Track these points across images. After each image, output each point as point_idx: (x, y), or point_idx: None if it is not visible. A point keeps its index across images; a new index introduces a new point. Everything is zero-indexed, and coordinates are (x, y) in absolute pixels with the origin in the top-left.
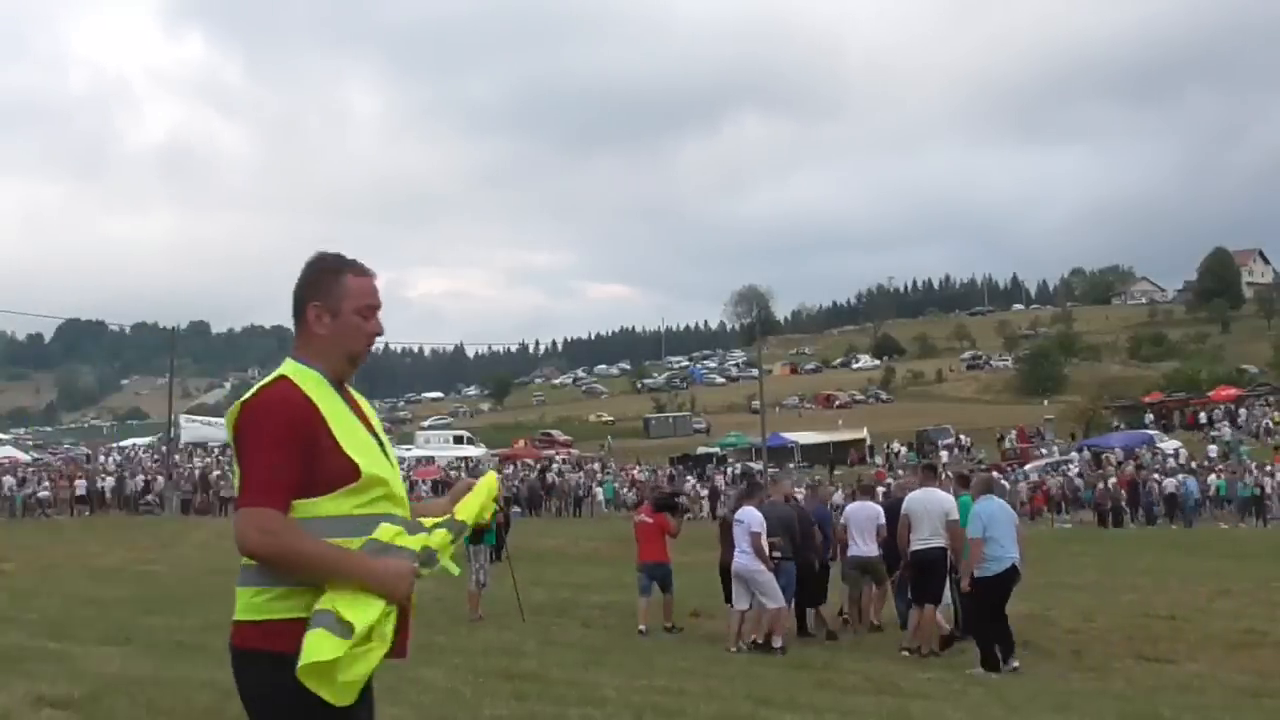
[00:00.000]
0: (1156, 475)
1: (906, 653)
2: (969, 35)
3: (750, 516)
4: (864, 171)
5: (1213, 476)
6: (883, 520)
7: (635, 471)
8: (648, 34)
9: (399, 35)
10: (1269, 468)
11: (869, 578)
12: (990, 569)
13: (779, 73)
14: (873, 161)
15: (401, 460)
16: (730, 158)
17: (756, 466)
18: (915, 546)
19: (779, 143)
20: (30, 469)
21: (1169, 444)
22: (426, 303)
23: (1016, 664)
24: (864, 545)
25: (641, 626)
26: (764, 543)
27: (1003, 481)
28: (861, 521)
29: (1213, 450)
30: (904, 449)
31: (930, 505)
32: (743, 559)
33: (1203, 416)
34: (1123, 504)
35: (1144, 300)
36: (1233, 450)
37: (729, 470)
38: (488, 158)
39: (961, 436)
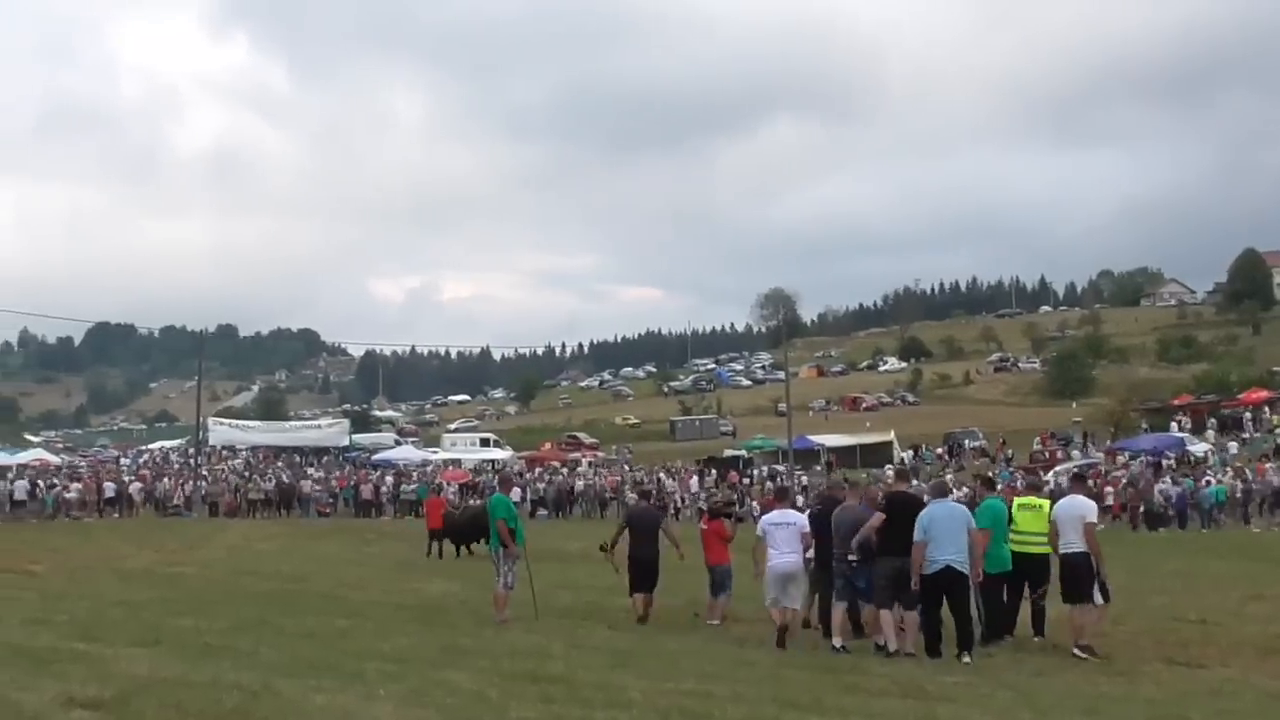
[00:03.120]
0: (1182, 479)
1: (1081, 653)
2: (1004, 38)
3: (798, 519)
4: (895, 175)
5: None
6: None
7: (661, 474)
8: (688, 37)
9: (440, 37)
10: None
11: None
12: (926, 569)
13: (815, 76)
14: (904, 165)
15: (428, 463)
16: (764, 161)
17: (781, 469)
18: (1062, 551)
19: (812, 146)
20: (60, 471)
21: (1199, 446)
22: (457, 306)
23: (968, 660)
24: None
25: (710, 621)
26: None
27: (1089, 482)
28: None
29: (1233, 448)
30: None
31: (1073, 511)
32: (792, 558)
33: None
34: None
35: (1173, 302)
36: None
37: (755, 473)
38: (524, 161)
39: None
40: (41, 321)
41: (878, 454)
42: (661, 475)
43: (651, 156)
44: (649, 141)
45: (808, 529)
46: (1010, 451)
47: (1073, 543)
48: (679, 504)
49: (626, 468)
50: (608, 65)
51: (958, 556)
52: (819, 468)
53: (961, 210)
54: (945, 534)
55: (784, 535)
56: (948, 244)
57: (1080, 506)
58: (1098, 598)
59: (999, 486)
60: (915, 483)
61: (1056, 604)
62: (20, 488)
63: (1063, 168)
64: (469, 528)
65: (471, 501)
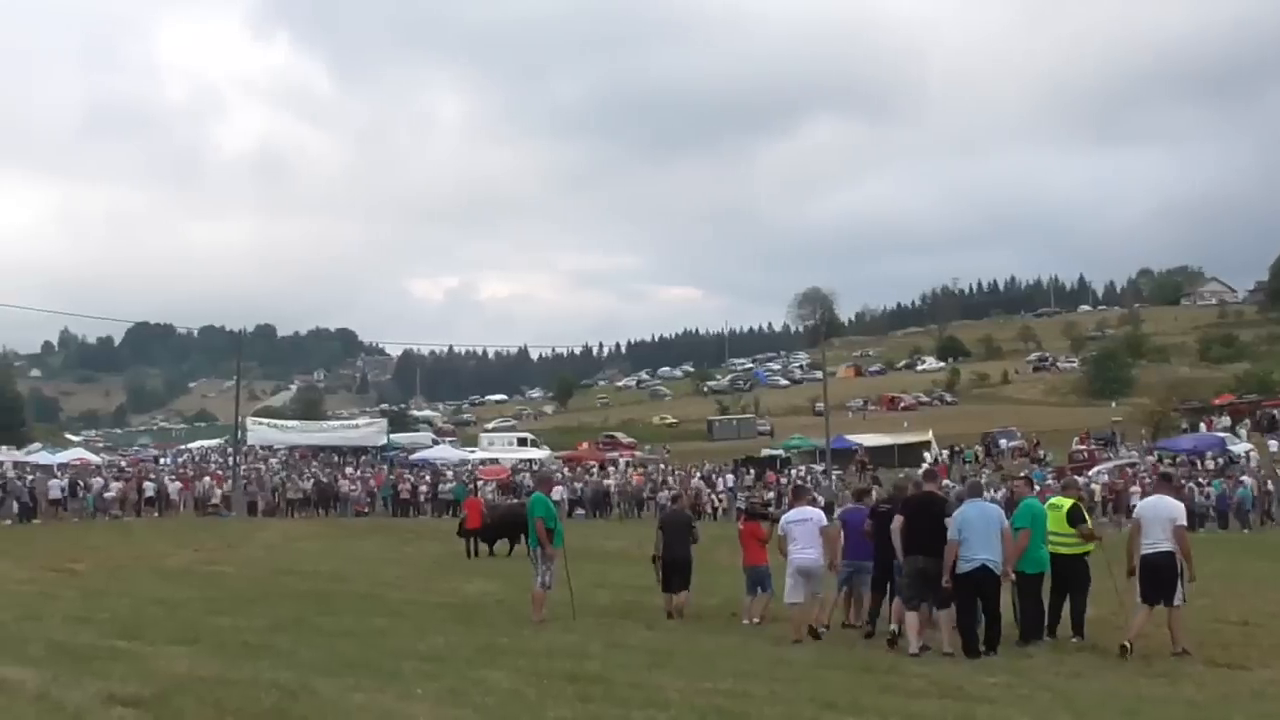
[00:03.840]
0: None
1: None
2: (1044, 35)
3: (816, 515)
4: (934, 173)
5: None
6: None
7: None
8: (728, 36)
9: (481, 37)
10: None
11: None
12: (960, 568)
13: (855, 75)
14: (944, 163)
15: (465, 462)
16: (803, 160)
17: (819, 468)
18: (1145, 550)
19: (852, 146)
20: (100, 471)
21: (1240, 446)
22: (495, 306)
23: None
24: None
25: (745, 621)
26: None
27: (1187, 484)
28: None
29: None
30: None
31: (1160, 511)
32: (810, 553)
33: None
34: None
35: (1214, 301)
36: None
37: (792, 473)
38: (564, 161)
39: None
40: (81, 321)
41: (915, 454)
42: (696, 480)
43: (691, 156)
44: (688, 141)
45: (826, 524)
46: (1045, 452)
47: (1158, 543)
48: (716, 503)
49: (663, 466)
50: (648, 65)
51: (991, 557)
52: (853, 468)
53: (1001, 209)
54: (978, 534)
55: (802, 531)
56: (986, 243)
57: (1169, 508)
58: (1178, 599)
59: (1037, 488)
60: (946, 482)
61: (1096, 605)
62: (59, 486)
63: (1103, 166)
64: (496, 527)
65: (509, 500)
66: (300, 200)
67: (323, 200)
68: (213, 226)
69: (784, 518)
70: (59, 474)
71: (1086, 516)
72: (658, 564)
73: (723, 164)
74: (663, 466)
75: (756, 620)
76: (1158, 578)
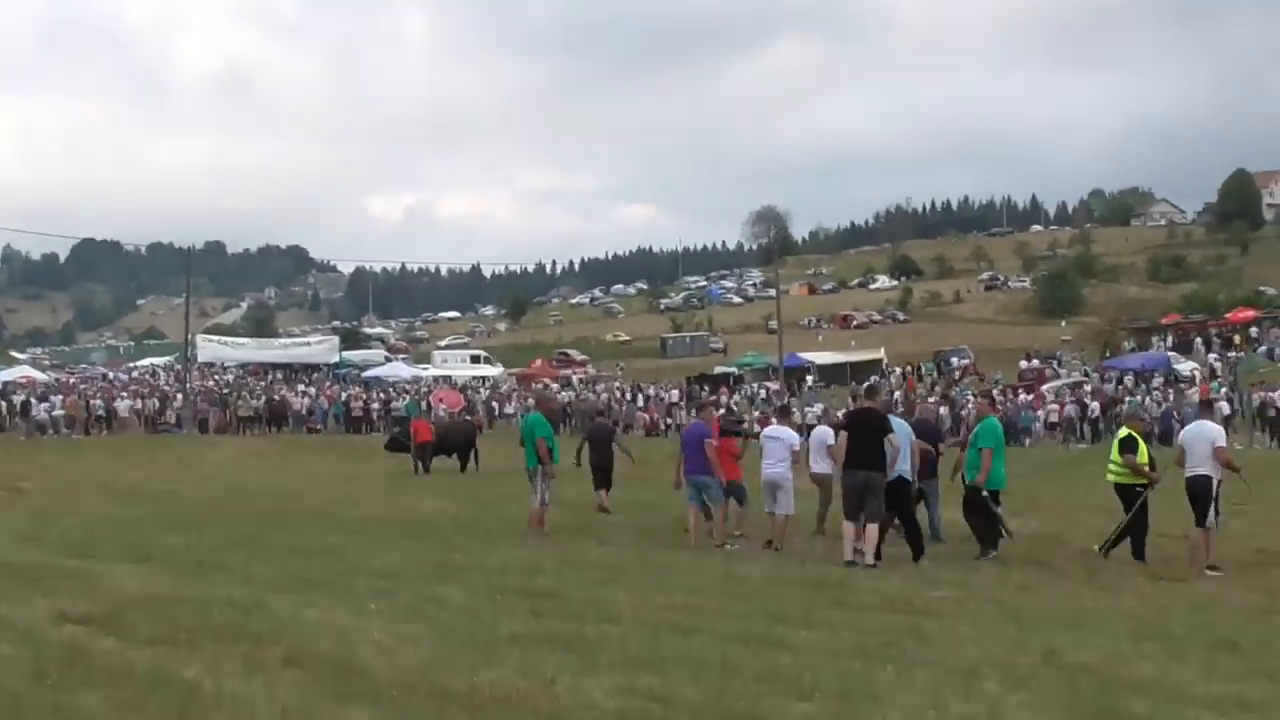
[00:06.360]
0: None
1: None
2: None
3: (788, 435)
4: (898, 95)
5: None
6: (831, 441)
7: (651, 390)
8: None
9: None
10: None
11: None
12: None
13: None
14: (908, 85)
15: (418, 379)
16: (769, 81)
17: (774, 386)
18: (1188, 474)
19: (816, 66)
20: (47, 388)
21: (1185, 365)
22: (454, 224)
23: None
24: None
25: (735, 533)
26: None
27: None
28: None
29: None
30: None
31: (1201, 435)
32: (779, 469)
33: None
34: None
35: (1163, 222)
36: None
37: (745, 390)
38: (529, 79)
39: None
40: (26, 238)
41: (867, 371)
42: (620, 394)
43: (657, 75)
44: (655, 60)
45: (797, 446)
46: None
47: (1197, 467)
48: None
49: (616, 384)
50: None
51: (905, 466)
52: (808, 385)
53: (962, 131)
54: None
55: (773, 448)
56: (947, 165)
57: (1209, 432)
58: (1208, 520)
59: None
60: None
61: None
62: (5, 405)
63: (1065, 89)
64: (441, 443)
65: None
66: (262, 119)
67: (286, 119)
68: (171, 145)
69: (764, 433)
70: (4, 392)
71: (1141, 449)
72: (582, 467)
73: (688, 83)
74: (616, 384)
75: (737, 534)
76: (1199, 499)
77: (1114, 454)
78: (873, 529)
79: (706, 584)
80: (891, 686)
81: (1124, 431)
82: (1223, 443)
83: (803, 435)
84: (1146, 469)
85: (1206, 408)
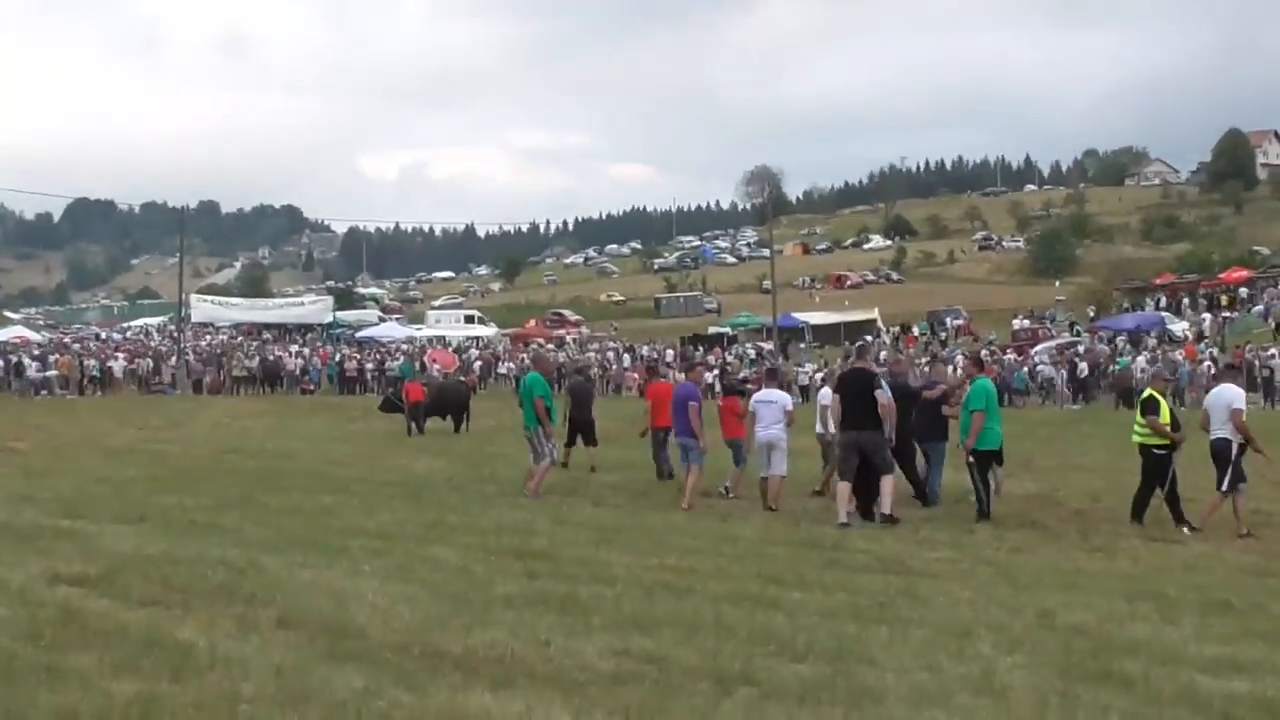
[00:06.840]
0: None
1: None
2: None
3: (781, 397)
4: (895, 54)
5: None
6: (826, 403)
7: (644, 349)
8: None
9: None
10: (1272, 350)
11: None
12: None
13: None
14: (904, 44)
15: (412, 339)
16: (765, 39)
17: (767, 346)
18: (1211, 437)
19: (813, 24)
20: (42, 348)
21: (1179, 325)
22: (448, 184)
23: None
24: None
25: (727, 486)
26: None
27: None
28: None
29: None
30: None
31: (1221, 398)
32: (774, 429)
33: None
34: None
35: (1157, 182)
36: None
37: (738, 350)
38: (525, 36)
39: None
40: (18, 197)
41: (862, 332)
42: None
43: (653, 33)
44: (651, 17)
45: (790, 408)
46: (991, 333)
47: (1217, 430)
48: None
49: (611, 343)
50: None
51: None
52: (801, 345)
53: (956, 90)
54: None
55: (767, 411)
56: (941, 123)
57: (1230, 395)
58: (1225, 484)
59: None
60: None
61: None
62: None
63: (1063, 48)
64: (434, 403)
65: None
66: (257, 79)
67: (280, 79)
68: (166, 104)
69: (753, 398)
70: None
71: (1163, 409)
72: (565, 423)
73: (684, 42)
74: (610, 344)
75: (732, 489)
76: (1220, 462)
77: (1137, 415)
78: (886, 481)
79: (701, 545)
80: (885, 647)
81: (1147, 392)
82: (1240, 405)
83: (794, 395)
84: (1168, 429)
85: (1230, 370)
